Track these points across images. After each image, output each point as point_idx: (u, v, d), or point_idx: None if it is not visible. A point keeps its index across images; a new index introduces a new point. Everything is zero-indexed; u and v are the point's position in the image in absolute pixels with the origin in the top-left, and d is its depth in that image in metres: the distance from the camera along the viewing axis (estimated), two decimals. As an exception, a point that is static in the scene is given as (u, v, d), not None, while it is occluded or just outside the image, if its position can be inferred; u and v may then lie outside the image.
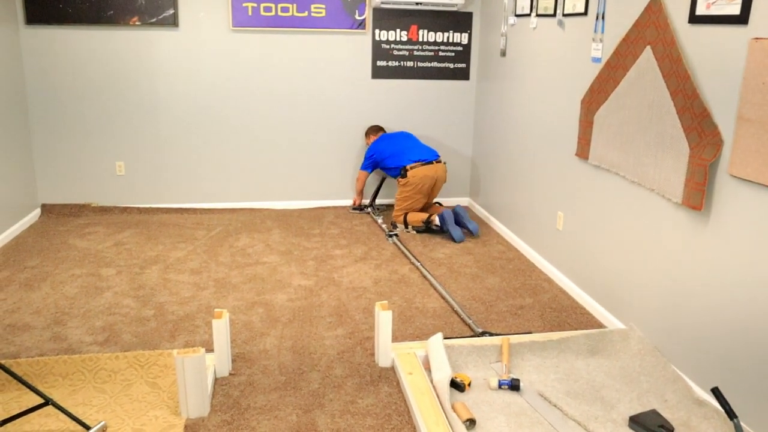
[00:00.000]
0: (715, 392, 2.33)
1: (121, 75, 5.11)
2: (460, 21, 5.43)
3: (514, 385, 2.71)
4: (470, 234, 4.91)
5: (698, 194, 2.66)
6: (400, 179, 4.95)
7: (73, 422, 2.46)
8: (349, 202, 5.71)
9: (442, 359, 2.74)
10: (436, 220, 4.85)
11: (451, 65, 5.52)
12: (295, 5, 5.15)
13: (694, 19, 2.68)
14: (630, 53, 3.13)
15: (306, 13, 5.18)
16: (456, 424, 2.41)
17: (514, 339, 3.04)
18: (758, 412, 2.41)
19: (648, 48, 2.99)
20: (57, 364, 2.79)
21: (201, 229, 4.95)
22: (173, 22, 5.03)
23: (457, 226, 4.81)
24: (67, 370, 2.78)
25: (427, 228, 4.92)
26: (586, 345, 3.03)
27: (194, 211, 5.42)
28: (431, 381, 2.72)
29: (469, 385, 2.74)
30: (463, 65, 5.54)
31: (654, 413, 2.52)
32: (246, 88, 5.29)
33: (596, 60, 3.49)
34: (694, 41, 2.71)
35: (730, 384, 2.55)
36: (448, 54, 5.49)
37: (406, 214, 4.96)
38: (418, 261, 4.28)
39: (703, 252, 2.68)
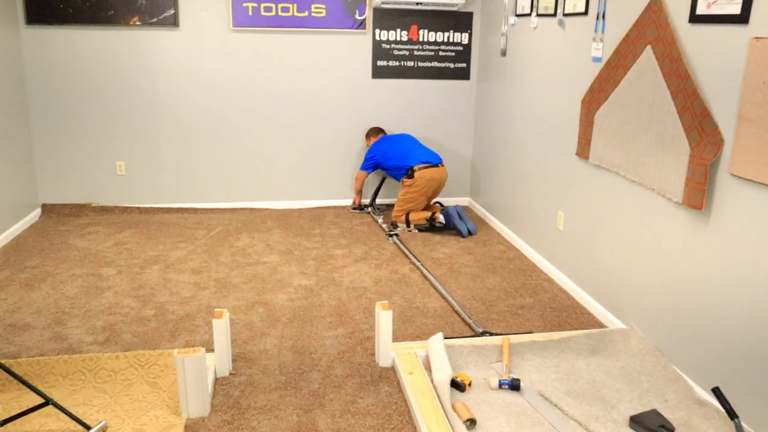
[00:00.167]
0: (716, 392, 2.33)
1: (121, 75, 5.11)
2: (461, 21, 5.43)
3: (514, 385, 2.71)
4: (469, 233, 4.92)
5: (699, 194, 2.66)
6: (405, 180, 4.95)
7: (74, 422, 2.46)
8: (349, 202, 5.71)
9: (443, 359, 2.74)
10: (441, 217, 4.89)
11: (452, 65, 5.52)
12: (295, 5, 5.15)
13: (695, 18, 2.68)
14: (630, 53, 3.13)
15: (306, 13, 5.18)
16: (456, 424, 2.41)
17: (515, 339, 3.04)
18: (759, 411, 2.40)
19: (648, 47, 2.99)
20: (57, 363, 2.79)
21: (201, 229, 4.95)
22: (173, 22, 5.03)
23: (462, 222, 4.84)
24: (67, 370, 2.78)
25: (431, 226, 4.93)
26: (587, 345, 3.03)
27: (194, 210, 5.42)
28: (432, 381, 2.72)
29: (469, 384, 2.73)
30: (464, 65, 5.54)
31: (655, 413, 2.52)
32: (246, 88, 5.29)
33: (597, 60, 3.49)
34: (694, 41, 2.70)
35: (731, 384, 2.54)
36: (449, 54, 5.49)
37: (407, 213, 4.97)
38: (419, 261, 4.28)
39: (704, 251, 2.68)
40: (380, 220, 5.16)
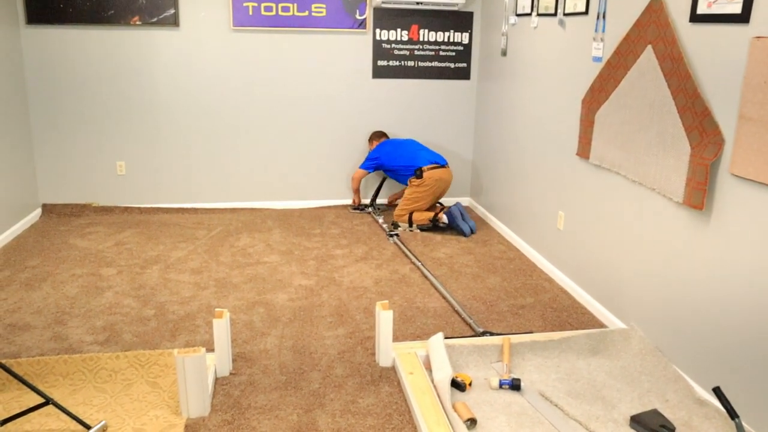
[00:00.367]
0: (717, 392, 2.33)
1: (121, 75, 5.11)
2: (461, 20, 5.43)
3: (515, 385, 2.71)
4: (471, 232, 4.92)
5: (699, 193, 2.66)
6: (413, 179, 4.97)
7: (74, 422, 2.46)
8: (349, 202, 5.71)
9: (443, 359, 2.74)
10: (444, 217, 4.91)
11: (452, 65, 5.52)
12: (295, 5, 5.15)
13: (695, 18, 2.67)
14: (631, 52, 3.13)
15: (306, 13, 5.18)
16: (457, 424, 2.40)
17: (515, 339, 3.04)
18: (760, 411, 2.40)
19: (649, 47, 2.98)
20: (57, 363, 2.79)
21: (201, 229, 4.95)
22: (174, 21, 5.03)
23: (465, 222, 4.86)
24: (67, 370, 2.78)
25: (434, 225, 4.94)
26: (587, 345, 3.03)
27: (195, 210, 5.42)
28: (432, 381, 2.72)
29: (470, 384, 2.73)
30: (464, 65, 5.53)
31: (655, 413, 2.52)
32: (247, 87, 5.29)
33: (597, 59, 3.49)
34: (695, 40, 2.70)
35: (732, 383, 2.54)
36: (449, 53, 5.49)
37: (410, 213, 4.98)
38: (419, 261, 4.28)
39: (705, 251, 2.68)
40: (381, 220, 5.16)
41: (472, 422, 2.44)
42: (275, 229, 5.01)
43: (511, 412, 2.57)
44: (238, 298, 3.69)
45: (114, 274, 4.02)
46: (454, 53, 5.49)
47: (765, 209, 2.36)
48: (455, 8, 5.33)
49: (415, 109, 5.58)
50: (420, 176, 4.94)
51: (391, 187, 5.75)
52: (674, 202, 2.86)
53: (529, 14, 4.34)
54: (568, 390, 2.73)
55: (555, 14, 3.97)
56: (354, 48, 5.35)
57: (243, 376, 2.86)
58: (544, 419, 2.52)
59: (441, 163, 5.03)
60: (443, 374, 2.65)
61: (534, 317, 3.52)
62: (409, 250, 4.48)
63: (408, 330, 3.34)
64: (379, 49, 5.38)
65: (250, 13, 5.10)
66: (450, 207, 4.99)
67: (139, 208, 5.37)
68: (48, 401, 2.34)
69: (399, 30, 5.36)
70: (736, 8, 2.44)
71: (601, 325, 3.45)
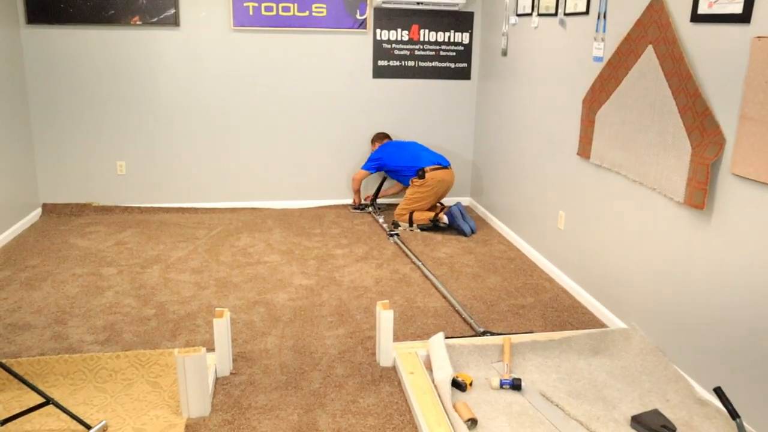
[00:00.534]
0: (718, 392, 2.33)
1: (122, 75, 5.11)
2: (462, 20, 5.43)
3: (515, 385, 2.71)
4: (471, 232, 4.92)
5: (700, 193, 2.65)
6: (415, 180, 4.98)
7: (74, 422, 2.45)
8: (350, 202, 5.71)
9: (444, 359, 2.74)
10: (444, 218, 4.92)
11: (453, 65, 5.51)
12: (296, 5, 5.15)
13: (696, 17, 2.67)
14: (632, 52, 3.13)
15: (307, 13, 5.18)
16: (457, 424, 2.40)
17: (516, 338, 3.03)
18: (761, 411, 2.40)
19: (650, 47, 2.98)
20: (58, 363, 2.79)
21: (202, 229, 4.95)
22: (174, 21, 5.03)
23: (465, 221, 4.87)
24: (67, 370, 2.78)
25: (434, 225, 4.94)
26: (588, 345, 3.03)
27: (195, 210, 5.42)
28: (432, 380, 2.71)
29: (470, 384, 2.73)
30: (465, 65, 5.53)
31: (656, 413, 2.51)
32: (247, 87, 5.29)
33: (598, 59, 3.48)
34: (696, 40, 2.70)
35: (733, 383, 2.54)
36: (450, 54, 5.49)
37: (411, 212, 4.99)
38: (420, 260, 4.28)
39: (705, 251, 2.68)
40: (381, 220, 5.16)
41: (472, 422, 2.44)
42: (275, 228, 5.01)
43: (511, 412, 2.57)
44: (238, 298, 3.69)
45: (114, 273, 4.01)
46: (454, 53, 5.49)
47: (766, 209, 2.35)
48: (456, 8, 5.33)
49: (416, 109, 5.58)
50: (422, 177, 4.95)
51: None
52: (675, 201, 2.86)
53: (530, 14, 4.34)
54: (568, 390, 2.72)
55: (555, 14, 3.97)
56: (354, 48, 5.34)
57: (243, 376, 2.86)
58: (545, 419, 2.52)
59: (443, 164, 5.03)
60: (444, 374, 2.65)
61: (534, 317, 3.52)
62: (410, 250, 4.48)
63: (408, 330, 3.34)
64: (380, 49, 5.38)
65: (251, 13, 5.10)
66: (450, 207, 4.99)
67: (139, 208, 5.37)
68: (48, 401, 2.34)
69: (399, 30, 5.36)
70: (737, 8, 2.44)
71: (602, 325, 3.44)
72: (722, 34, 2.54)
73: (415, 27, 5.38)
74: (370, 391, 2.76)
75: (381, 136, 5.40)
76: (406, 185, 5.15)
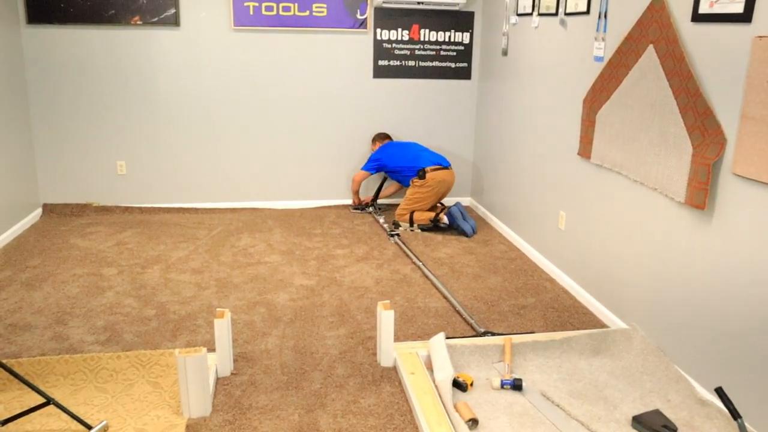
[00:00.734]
0: (719, 392, 2.33)
1: (122, 75, 5.11)
2: (462, 20, 5.42)
3: (516, 385, 2.71)
4: (473, 232, 4.92)
5: (701, 193, 2.65)
6: (416, 180, 4.98)
7: (75, 422, 2.45)
8: (350, 202, 5.70)
9: (445, 359, 2.74)
10: (445, 218, 4.92)
11: (453, 65, 5.51)
12: (296, 5, 5.15)
13: (697, 17, 2.67)
14: (632, 52, 3.13)
15: (307, 13, 5.18)
16: (458, 424, 2.40)
17: (517, 339, 3.03)
18: (762, 411, 2.40)
19: (650, 47, 2.98)
20: (58, 363, 2.79)
21: (202, 229, 4.95)
22: (174, 21, 5.03)
23: (466, 221, 4.87)
24: (68, 370, 2.78)
25: (435, 225, 4.94)
26: (589, 345, 3.03)
27: (195, 210, 5.42)
28: (433, 381, 2.71)
29: (471, 384, 2.73)
30: (465, 65, 5.53)
31: (657, 413, 2.51)
32: (247, 87, 5.29)
33: (598, 59, 3.48)
34: (696, 40, 2.70)
35: (734, 384, 2.54)
36: (450, 53, 5.48)
37: (412, 212, 4.99)
38: (420, 261, 4.28)
39: (706, 251, 2.68)
40: (381, 220, 5.16)
41: (473, 422, 2.44)
42: (276, 229, 5.01)
43: (512, 412, 2.57)
44: (239, 298, 3.68)
45: (115, 273, 4.01)
46: (454, 53, 5.49)
47: (767, 209, 2.35)
48: (456, 8, 5.32)
49: (416, 109, 5.58)
50: (423, 177, 4.95)
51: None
52: (676, 201, 2.86)
53: (530, 14, 4.34)
54: (569, 390, 2.72)
55: (556, 14, 3.97)
56: (355, 48, 5.34)
57: (244, 376, 2.86)
58: (546, 419, 2.52)
59: (444, 165, 5.03)
60: (445, 374, 2.65)
61: (535, 317, 3.52)
62: (410, 250, 4.48)
63: (409, 330, 3.34)
64: (380, 49, 5.37)
65: (251, 12, 5.10)
66: (450, 207, 4.99)
67: (139, 208, 5.37)
68: (49, 401, 2.34)
69: (400, 30, 5.36)
70: (738, 8, 2.44)
71: (603, 325, 3.44)
72: (723, 34, 2.54)
73: (415, 27, 5.38)
74: (371, 391, 2.76)
75: (381, 137, 5.40)
76: (407, 186, 5.15)
